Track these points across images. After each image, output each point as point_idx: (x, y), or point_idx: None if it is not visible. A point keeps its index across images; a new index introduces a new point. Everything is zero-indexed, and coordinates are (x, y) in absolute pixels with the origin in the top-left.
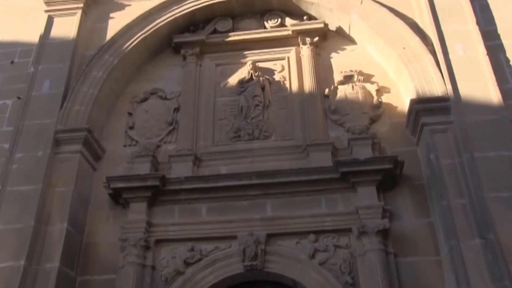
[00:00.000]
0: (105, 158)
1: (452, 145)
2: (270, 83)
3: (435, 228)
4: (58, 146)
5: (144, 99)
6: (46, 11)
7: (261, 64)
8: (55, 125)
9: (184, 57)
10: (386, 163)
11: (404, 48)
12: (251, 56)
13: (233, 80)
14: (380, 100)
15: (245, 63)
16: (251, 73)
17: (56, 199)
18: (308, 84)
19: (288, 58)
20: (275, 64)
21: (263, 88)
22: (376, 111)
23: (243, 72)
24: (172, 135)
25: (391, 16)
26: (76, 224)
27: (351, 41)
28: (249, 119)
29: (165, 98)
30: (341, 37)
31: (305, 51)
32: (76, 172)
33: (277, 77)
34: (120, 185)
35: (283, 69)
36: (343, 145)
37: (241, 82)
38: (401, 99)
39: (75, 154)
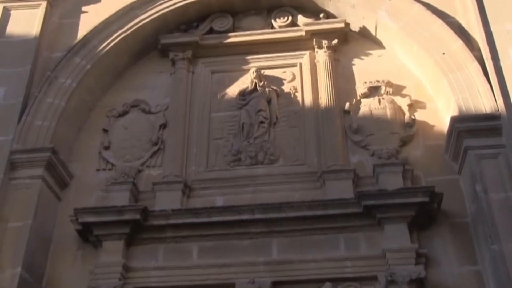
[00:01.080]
0: (73, 186)
1: (504, 174)
2: (278, 95)
3: (483, 279)
4: (14, 170)
5: (123, 113)
6: (1, 1)
7: (267, 72)
8: (10, 143)
9: (173, 62)
10: (420, 195)
11: (443, 53)
12: (255, 62)
13: (232, 91)
14: (413, 117)
15: (248, 70)
16: (255, 83)
17: (8, 237)
18: (325, 97)
19: (301, 64)
20: (285, 72)
21: (269, 101)
22: (408, 131)
23: (245, 81)
24: (157, 158)
25: (428, 14)
26: (33, 269)
27: (378, 44)
28: (252, 139)
29: (149, 112)
30: (366, 40)
31: (321, 56)
32: (35, 202)
33: (286, 88)
34: (91, 219)
35: (294, 78)
36: (367, 173)
37: (243, 94)
38: (439, 116)
39: (35, 180)
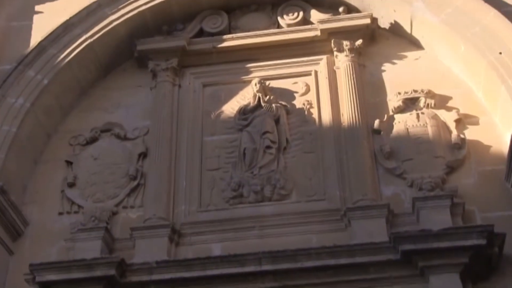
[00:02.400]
0: (28, 235)
1: None
2: (288, 112)
3: None
4: None
5: (92, 140)
6: None
7: (273, 83)
8: None
9: (154, 74)
10: (475, 236)
11: (500, 53)
12: (258, 71)
13: (230, 108)
14: (462, 136)
15: (249, 81)
16: (259, 97)
17: None
18: (348, 113)
19: (316, 73)
20: (296, 83)
21: (277, 121)
22: (456, 153)
23: (245, 96)
24: (136, 196)
25: (478, 3)
26: None
27: (414, 44)
28: (256, 169)
29: (125, 138)
30: (398, 39)
31: (342, 61)
32: None
33: (299, 102)
34: (53, 277)
35: (308, 90)
36: (404, 209)
37: (243, 112)
38: (496, 133)
39: None
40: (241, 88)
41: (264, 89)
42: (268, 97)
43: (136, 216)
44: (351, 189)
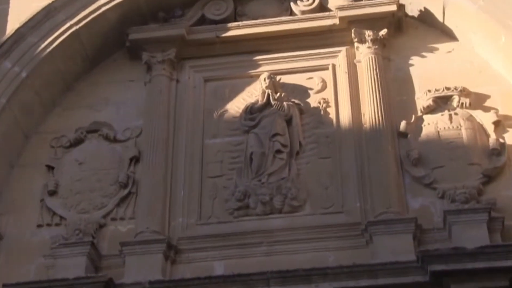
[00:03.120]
0: (2, 250)
1: None
2: (301, 112)
3: None
4: None
5: (77, 142)
6: None
7: (285, 79)
8: None
9: (149, 67)
10: None
11: None
12: (268, 64)
13: (235, 106)
14: (501, 140)
15: (257, 76)
16: (268, 95)
17: None
18: (370, 113)
19: (334, 67)
20: (311, 79)
21: (289, 121)
22: (494, 160)
23: (253, 93)
24: (127, 206)
25: None
26: None
27: (447, 35)
28: (265, 176)
29: (115, 140)
30: (429, 29)
31: (364, 54)
32: None
33: (314, 101)
34: None
35: (324, 86)
36: (434, 223)
37: (250, 111)
38: None
39: None
40: (248, 84)
41: (275, 85)
42: (278, 94)
43: (126, 230)
44: (373, 200)
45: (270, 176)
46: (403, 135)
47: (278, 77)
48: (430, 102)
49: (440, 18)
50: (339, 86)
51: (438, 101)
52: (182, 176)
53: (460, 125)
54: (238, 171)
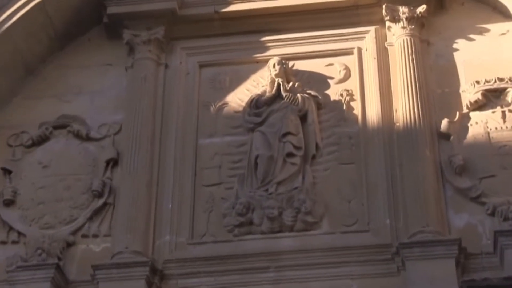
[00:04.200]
0: None
1: None
2: (319, 106)
3: None
4: None
5: (41, 140)
6: None
7: (300, 65)
8: None
9: (131, 48)
10: None
11: None
12: (279, 47)
13: (237, 99)
14: None
15: (265, 61)
16: (278, 84)
17: None
18: (404, 109)
19: (360, 51)
20: (331, 65)
21: (303, 118)
22: None
23: (259, 82)
24: (102, 221)
25: None
26: None
27: (501, 13)
28: (273, 185)
29: (88, 138)
30: (478, 5)
31: (398, 35)
32: None
33: (335, 93)
34: None
35: (348, 75)
36: (482, 246)
37: (256, 104)
38: None
39: None
40: (253, 71)
41: (286, 72)
42: (291, 84)
43: (100, 249)
44: (407, 217)
45: (280, 185)
46: (445, 136)
47: (290, 63)
48: (478, 96)
49: None
50: (366, 75)
51: (488, 95)
52: (170, 184)
53: None
54: (240, 179)
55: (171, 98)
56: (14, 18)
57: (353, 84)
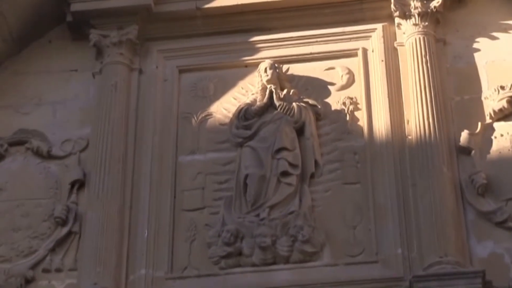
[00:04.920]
0: None
1: None
2: (318, 117)
3: None
4: None
5: None
6: None
7: (295, 69)
8: None
9: (99, 50)
10: None
11: None
12: (271, 48)
13: (223, 108)
14: None
15: (255, 65)
16: (270, 92)
17: None
18: (417, 120)
19: (365, 52)
20: (332, 69)
21: (300, 131)
22: None
23: (248, 89)
24: (66, 253)
25: None
26: None
27: None
28: (265, 210)
29: (49, 156)
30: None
31: (409, 33)
32: None
33: (336, 101)
34: None
35: (351, 81)
36: (509, 279)
37: (245, 116)
38: None
39: None
40: (241, 77)
41: (280, 78)
42: (286, 91)
43: (64, 286)
44: (421, 245)
45: (273, 209)
46: (465, 151)
47: (284, 67)
48: (503, 103)
49: None
50: (373, 80)
51: None
52: (146, 209)
53: None
54: (227, 202)
55: (146, 109)
56: None
57: (357, 91)
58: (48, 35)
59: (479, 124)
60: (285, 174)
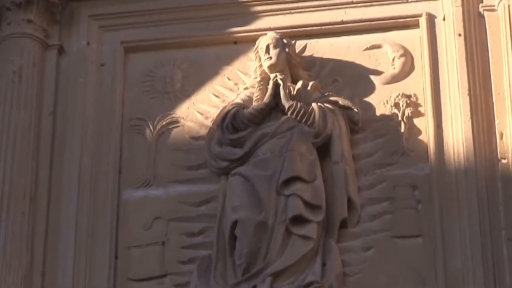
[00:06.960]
0: None
1: None
2: (355, 126)
3: None
4: None
5: None
6: None
7: (316, 47)
8: None
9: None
10: None
11: None
12: (273, 14)
13: (197, 111)
14: None
15: (250, 40)
16: (275, 83)
17: None
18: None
19: (432, 20)
20: (377, 49)
21: (323, 149)
22: None
23: (237, 79)
24: None
25: None
26: None
27: None
28: (264, 280)
29: None
30: None
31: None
32: None
33: (382, 100)
34: None
35: (407, 67)
36: None
37: (233, 124)
38: None
39: None
40: (227, 60)
41: (291, 62)
42: (300, 84)
43: None
44: None
45: (278, 279)
46: None
47: (299, 44)
48: None
49: None
50: (443, 66)
51: None
52: (69, 277)
53: None
54: (202, 268)
55: (70, 113)
56: None
57: (418, 84)
58: None
59: None
60: (298, 220)
